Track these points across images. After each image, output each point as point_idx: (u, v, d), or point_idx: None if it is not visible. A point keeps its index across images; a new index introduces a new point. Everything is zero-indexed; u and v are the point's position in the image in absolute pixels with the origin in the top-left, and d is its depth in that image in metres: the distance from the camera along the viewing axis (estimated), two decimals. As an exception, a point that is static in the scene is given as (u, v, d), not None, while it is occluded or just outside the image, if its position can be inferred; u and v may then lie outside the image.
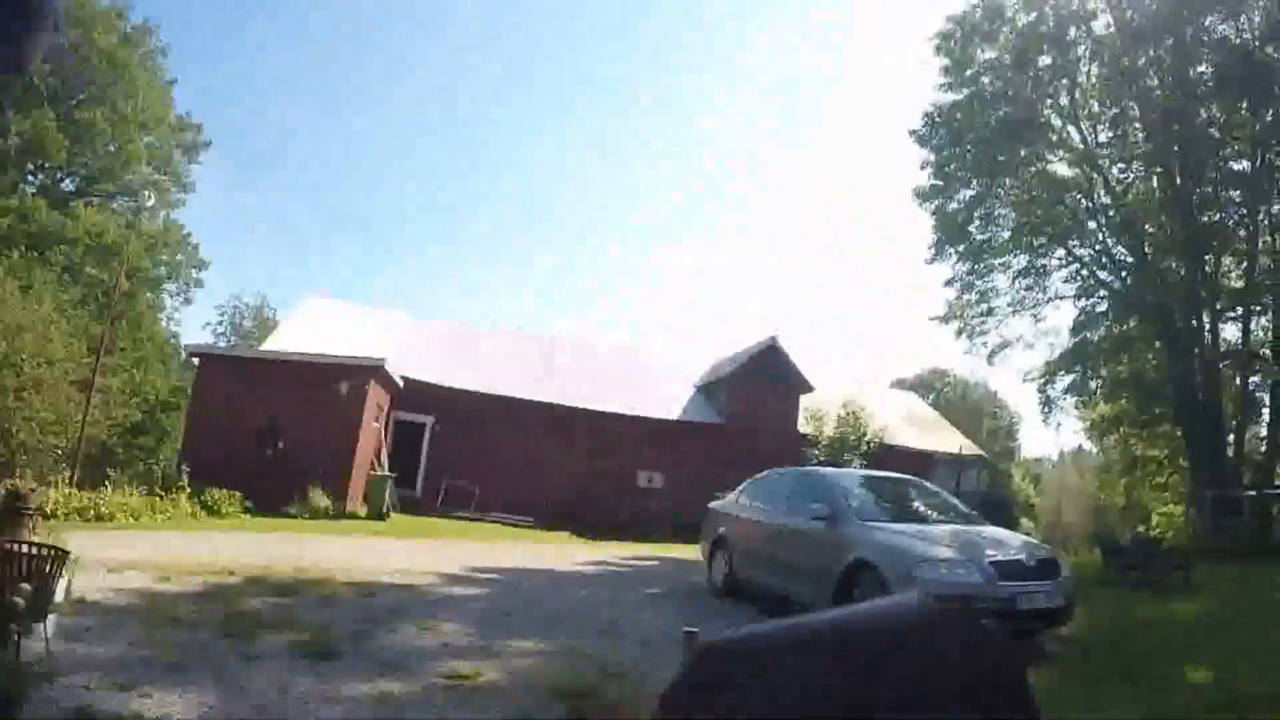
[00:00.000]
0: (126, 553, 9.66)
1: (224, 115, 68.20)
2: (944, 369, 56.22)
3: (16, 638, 5.55)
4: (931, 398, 43.53)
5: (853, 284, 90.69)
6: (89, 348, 19.50)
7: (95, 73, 31.38)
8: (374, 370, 18.91)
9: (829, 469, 12.18)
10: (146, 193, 23.53)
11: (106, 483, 14.06)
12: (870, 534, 7.92)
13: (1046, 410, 24.97)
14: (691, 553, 14.39)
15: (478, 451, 22.88)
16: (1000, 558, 7.43)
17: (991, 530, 8.63)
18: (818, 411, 24.44)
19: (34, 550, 5.80)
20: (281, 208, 78.68)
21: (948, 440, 28.49)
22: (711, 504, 11.52)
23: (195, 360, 19.27)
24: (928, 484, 10.55)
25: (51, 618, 6.36)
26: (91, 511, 12.35)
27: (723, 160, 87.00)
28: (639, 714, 5.77)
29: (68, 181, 35.03)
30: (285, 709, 5.46)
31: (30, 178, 33.43)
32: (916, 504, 9.36)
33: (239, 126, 72.48)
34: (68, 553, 6.23)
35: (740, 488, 10.98)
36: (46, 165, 32.75)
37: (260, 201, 76.88)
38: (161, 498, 14.25)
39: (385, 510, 17.94)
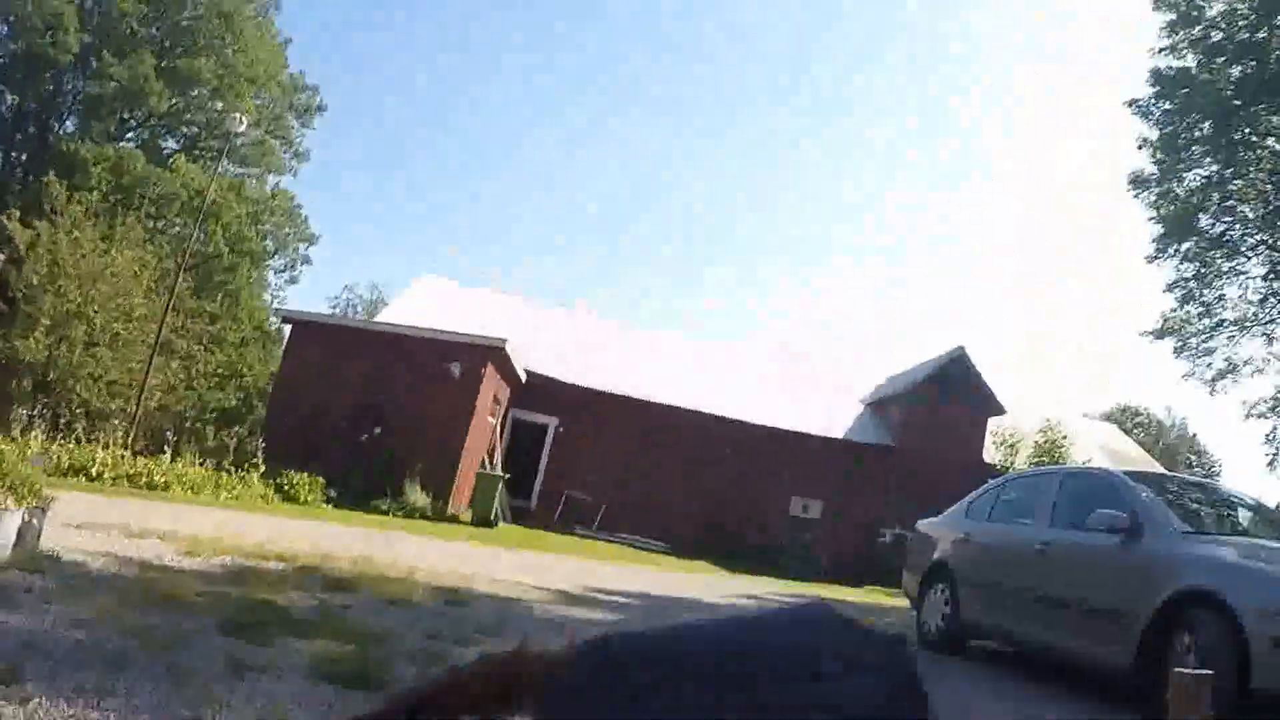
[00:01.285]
0: (160, 523, 8.11)
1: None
2: (1134, 406, 50.81)
3: None
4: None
5: (1030, 305, 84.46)
6: (174, 309, 18.12)
7: (201, 25, 30.47)
8: (493, 352, 17.20)
9: (1109, 468, 9.79)
10: (237, 116, 21.22)
11: (166, 449, 12.50)
12: (1205, 550, 5.71)
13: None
14: (859, 598, 12.68)
15: (607, 462, 20.99)
16: None
17: None
18: (1010, 437, 21.79)
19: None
20: (396, 189, 79.12)
21: (1159, 480, 24.53)
22: (921, 522, 9.64)
23: (287, 327, 17.65)
24: (1224, 486, 8.24)
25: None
26: (144, 479, 11.22)
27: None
28: None
29: (170, 140, 34.04)
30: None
31: (130, 134, 32.45)
32: (1226, 512, 7.24)
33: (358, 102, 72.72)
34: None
35: (968, 498, 8.94)
36: (148, 118, 31.69)
37: (375, 183, 77.41)
38: (230, 474, 12.64)
39: (494, 516, 16.04)
